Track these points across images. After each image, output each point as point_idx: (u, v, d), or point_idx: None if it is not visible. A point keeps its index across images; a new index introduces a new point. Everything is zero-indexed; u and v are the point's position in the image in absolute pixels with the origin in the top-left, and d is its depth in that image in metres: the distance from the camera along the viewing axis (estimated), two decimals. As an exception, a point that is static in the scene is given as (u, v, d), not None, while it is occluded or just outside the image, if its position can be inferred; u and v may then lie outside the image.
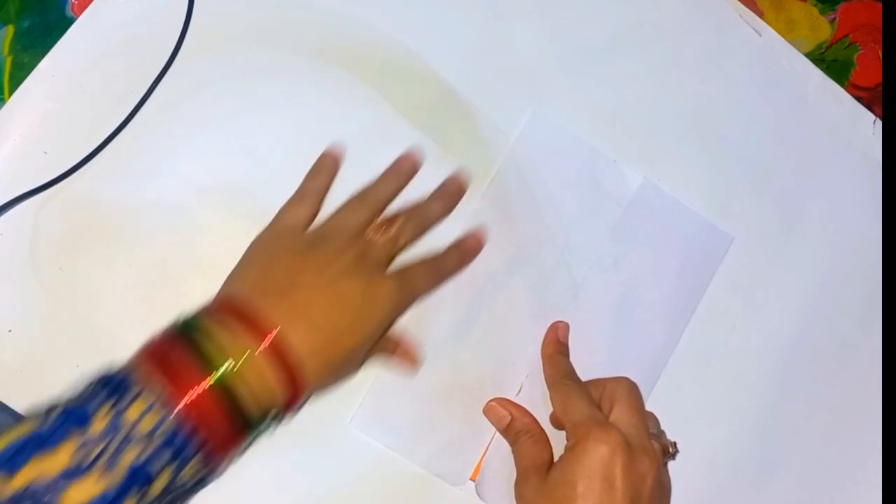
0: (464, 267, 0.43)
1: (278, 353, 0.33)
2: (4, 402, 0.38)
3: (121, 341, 0.40)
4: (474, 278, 0.44)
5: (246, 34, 0.43)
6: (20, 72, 0.41)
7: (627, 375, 0.43)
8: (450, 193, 0.43)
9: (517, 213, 0.45)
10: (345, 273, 0.36)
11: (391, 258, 0.39)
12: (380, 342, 0.40)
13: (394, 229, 0.39)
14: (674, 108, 0.49)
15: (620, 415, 0.40)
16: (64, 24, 0.41)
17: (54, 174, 0.40)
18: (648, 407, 0.45)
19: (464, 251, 0.43)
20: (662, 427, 0.44)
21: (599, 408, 0.40)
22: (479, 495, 0.43)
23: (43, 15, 0.42)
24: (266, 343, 0.33)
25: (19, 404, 0.38)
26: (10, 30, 0.42)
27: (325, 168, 0.42)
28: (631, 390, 0.41)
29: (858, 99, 0.52)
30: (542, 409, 0.44)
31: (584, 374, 0.44)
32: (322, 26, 0.44)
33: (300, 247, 0.37)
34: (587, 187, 0.46)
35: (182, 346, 0.32)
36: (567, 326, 0.45)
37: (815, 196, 0.50)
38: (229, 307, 0.34)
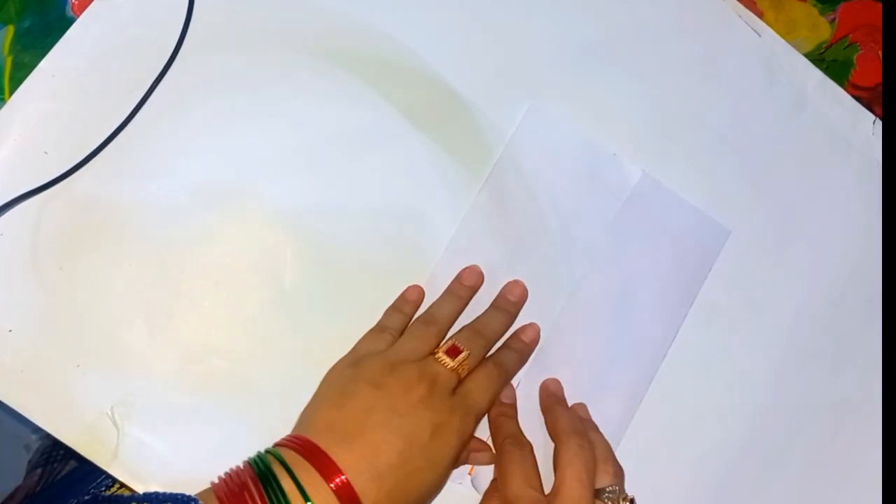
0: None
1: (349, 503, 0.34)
2: (4, 401, 0.38)
3: (121, 341, 0.40)
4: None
5: (246, 34, 0.43)
6: (20, 72, 0.41)
7: (626, 370, 0.44)
8: (510, 303, 0.44)
9: (515, 207, 0.45)
10: (414, 409, 0.37)
11: (459, 381, 0.40)
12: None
13: (461, 357, 0.40)
14: (674, 109, 0.49)
15: (562, 487, 0.39)
16: (64, 24, 0.41)
17: (54, 174, 0.40)
18: (647, 406, 0.45)
19: (523, 346, 0.44)
20: (659, 430, 0.44)
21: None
22: (475, 489, 0.43)
23: (43, 15, 0.42)
24: (337, 491, 0.34)
25: (19, 404, 0.38)
26: (10, 30, 0.42)
27: (408, 304, 0.43)
28: (574, 457, 0.40)
29: (858, 99, 0.52)
30: (538, 406, 0.44)
31: (583, 369, 0.44)
32: (322, 26, 0.44)
33: (372, 381, 0.38)
34: (586, 181, 0.46)
35: (258, 489, 0.34)
36: (513, 390, 0.44)
37: (815, 196, 0.50)
38: (303, 450, 0.35)
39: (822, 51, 0.53)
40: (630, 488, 0.43)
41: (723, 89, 0.49)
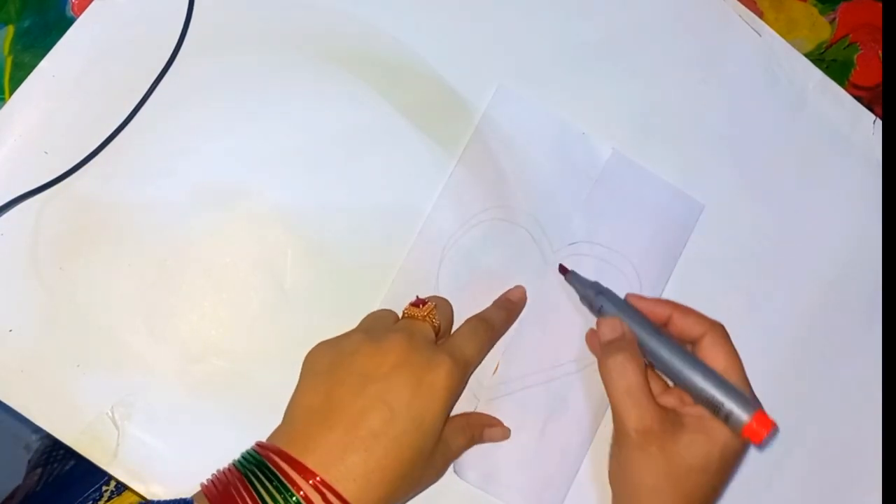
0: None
1: (334, 494, 0.33)
2: (4, 401, 0.38)
3: (121, 341, 0.40)
4: (445, 257, 0.44)
5: (245, 34, 0.43)
6: (20, 72, 0.41)
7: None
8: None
9: (487, 189, 0.45)
10: (390, 370, 0.36)
11: (437, 334, 0.39)
12: (455, 431, 0.40)
13: (427, 306, 0.39)
14: (672, 108, 0.48)
15: None
16: (64, 24, 0.41)
17: (54, 174, 0.40)
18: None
19: (510, 305, 0.43)
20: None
21: None
22: (456, 473, 0.43)
23: (43, 15, 0.42)
24: (320, 487, 0.33)
25: (19, 404, 0.38)
26: (10, 30, 0.42)
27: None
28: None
29: (858, 99, 0.52)
30: (515, 388, 0.44)
31: (562, 347, 0.45)
32: (321, 26, 0.44)
33: (347, 352, 0.37)
34: (557, 161, 0.46)
35: (245, 489, 0.34)
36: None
37: (814, 196, 0.50)
38: (284, 454, 0.35)
39: (822, 50, 0.53)
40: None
41: (722, 89, 0.49)
